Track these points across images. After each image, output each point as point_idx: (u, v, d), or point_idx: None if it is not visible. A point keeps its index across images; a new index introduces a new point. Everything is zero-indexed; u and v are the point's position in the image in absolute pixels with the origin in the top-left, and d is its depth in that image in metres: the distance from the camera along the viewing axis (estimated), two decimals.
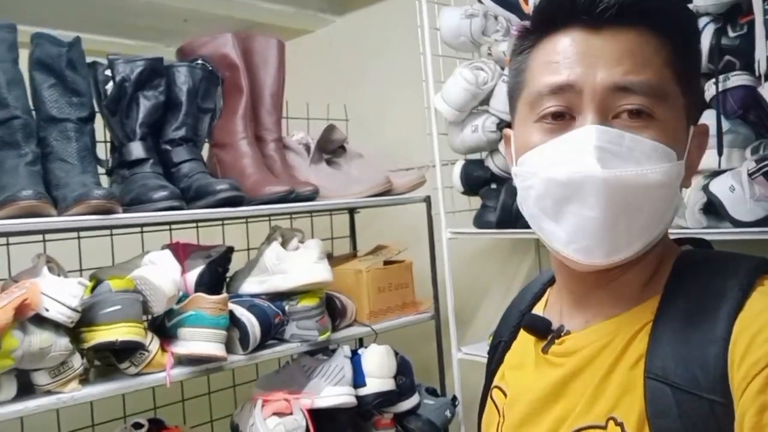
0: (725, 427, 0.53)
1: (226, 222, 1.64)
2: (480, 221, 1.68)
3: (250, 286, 1.50)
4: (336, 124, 1.83)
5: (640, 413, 0.57)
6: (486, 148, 1.70)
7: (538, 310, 0.78)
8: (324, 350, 1.58)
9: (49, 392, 1.16)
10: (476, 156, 1.75)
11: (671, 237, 0.69)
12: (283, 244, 1.52)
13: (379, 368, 1.54)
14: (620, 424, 0.58)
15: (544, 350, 0.69)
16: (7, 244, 1.33)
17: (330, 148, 1.75)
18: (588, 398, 0.61)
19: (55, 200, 1.24)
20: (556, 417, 0.64)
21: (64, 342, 1.14)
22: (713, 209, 1.26)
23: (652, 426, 0.56)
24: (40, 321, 1.12)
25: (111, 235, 1.51)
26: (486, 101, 1.67)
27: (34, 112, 1.32)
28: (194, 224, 1.57)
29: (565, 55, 0.61)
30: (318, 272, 1.43)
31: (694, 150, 0.65)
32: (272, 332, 1.43)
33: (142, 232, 1.54)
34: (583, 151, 0.58)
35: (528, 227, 0.68)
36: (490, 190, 1.70)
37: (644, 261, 0.64)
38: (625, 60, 0.59)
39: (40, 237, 1.38)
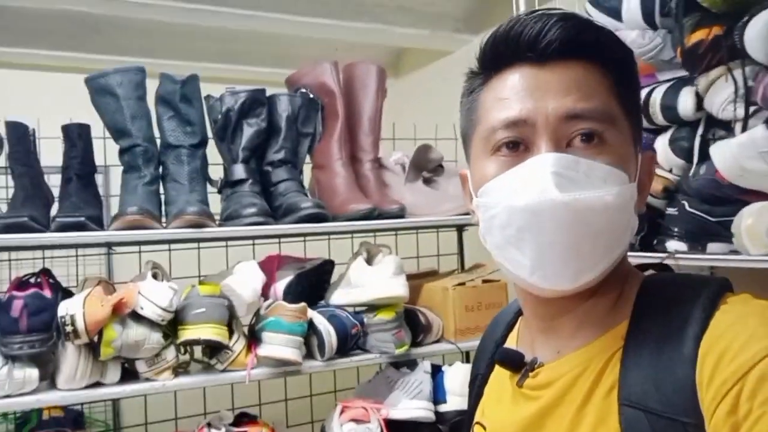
0: None
1: (308, 238, 1.76)
2: None
3: (338, 297, 1.60)
4: (444, 143, 1.88)
5: None
6: None
7: (511, 341, 0.79)
8: (409, 364, 1.62)
9: (147, 380, 1.36)
10: None
11: (665, 262, 0.71)
12: (369, 260, 1.60)
13: (461, 386, 1.55)
14: None
15: (519, 384, 0.69)
16: (108, 253, 1.57)
17: (429, 166, 1.80)
18: (565, 430, 0.62)
19: (167, 215, 1.46)
20: None
21: (156, 337, 1.33)
22: None
23: None
24: (138, 318, 1.32)
25: (198, 248, 1.71)
26: None
27: (159, 140, 1.55)
28: (277, 239, 1.70)
29: (515, 91, 0.64)
30: (392, 287, 1.49)
31: (645, 175, 0.67)
32: (349, 342, 1.51)
33: (227, 246, 1.72)
34: (540, 178, 0.60)
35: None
36: None
37: (607, 285, 0.65)
38: (573, 90, 0.62)
39: (161, 246, 1.61)
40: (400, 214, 1.60)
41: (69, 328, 1.23)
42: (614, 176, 0.61)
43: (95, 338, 1.29)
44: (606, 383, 0.61)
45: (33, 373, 1.26)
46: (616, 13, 1.47)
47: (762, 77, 1.21)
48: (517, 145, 0.63)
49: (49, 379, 1.33)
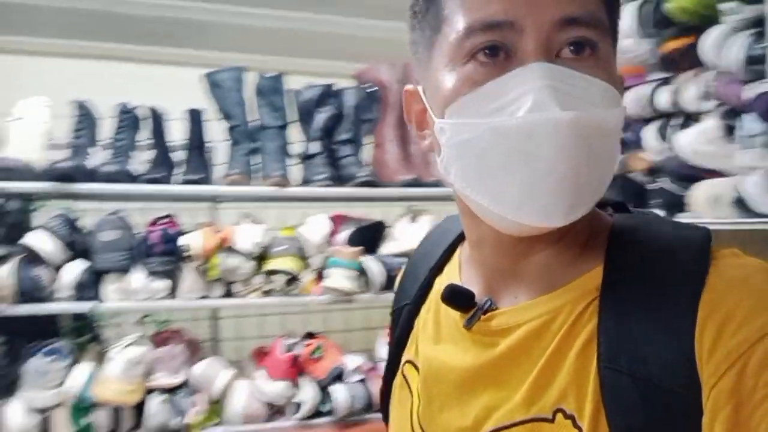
0: (695, 422, 0.47)
1: (366, 203, 2.19)
2: None
3: (385, 248, 2.04)
4: None
5: (595, 405, 0.50)
6: None
7: (451, 274, 0.67)
8: None
9: (241, 298, 1.85)
10: None
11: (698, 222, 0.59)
12: (414, 220, 2.03)
13: None
14: (570, 417, 0.51)
15: (467, 326, 0.60)
16: (215, 206, 2.07)
17: None
18: (530, 386, 0.54)
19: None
20: (486, 405, 0.57)
21: (249, 265, 1.82)
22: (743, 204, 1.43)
23: (611, 421, 0.49)
24: (235, 251, 1.81)
25: (280, 206, 2.16)
26: None
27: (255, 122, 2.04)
28: (341, 202, 2.14)
29: None
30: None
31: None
32: (393, 280, 1.95)
33: (302, 205, 2.17)
34: (535, 91, 0.49)
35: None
36: None
37: (580, 224, 0.55)
38: None
39: (255, 204, 2.10)
40: (439, 184, 2.02)
41: (188, 253, 1.74)
42: (611, 95, 0.52)
43: (205, 263, 1.79)
44: (581, 337, 0.52)
45: (162, 284, 1.78)
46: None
47: (719, 79, 1.54)
48: (496, 51, 0.51)
49: (172, 293, 1.85)
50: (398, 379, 0.70)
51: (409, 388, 0.67)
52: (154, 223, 1.87)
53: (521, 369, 0.55)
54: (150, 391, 1.73)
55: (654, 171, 1.76)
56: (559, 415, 0.52)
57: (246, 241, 1.81)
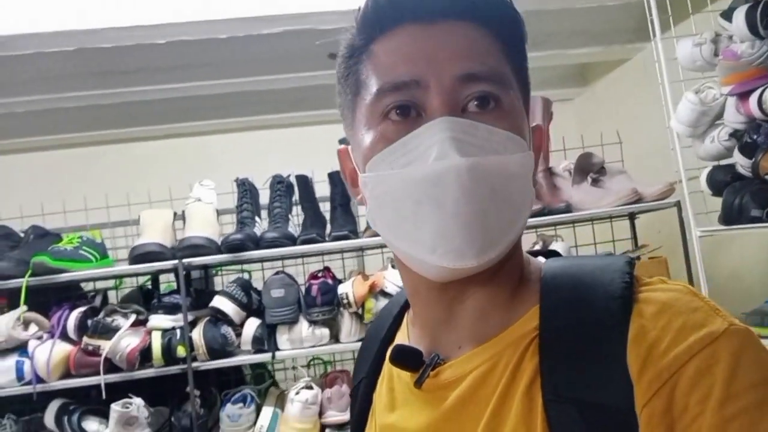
0: None
1: None
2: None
3: None
4: (611, 148, 2.31)
5: None
6: (725, 155, 1.94)
7: (401, 339, 0.69)
8: None
9: None
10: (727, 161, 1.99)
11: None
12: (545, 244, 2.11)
13: None
14: None
15: (417, 384, 0.60)
16: (361, 256, 2.27)
17: (593, 169, 2.24)
18: None
19: None
20: None
21: None
22: None
23: None
24: (385, 294, 2.00)
25: None
26: (721, 115, 1.93)
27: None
28: None
29: (403, 52, 0.57)
30: None
31: (535, 150, 0.62)
32: None
33: None
34: (438, 144, 0.53)
35: None
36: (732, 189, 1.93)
37: (508, 267, 0.60)
38: (466, 50, 0.56)
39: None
40: (567, 209, 2.08)
41: (345, 301, 1.95)
42: (514, 142, 0.56)
43: (360, 308, 1.99)
44: (524, 378, 0.54)
45: (325, 331, 2.00)
46: None
47: None
48: (407, 110, 0.56)
49: (334, 337, 2.07)
50: None
51: None
52: (314, 276, 2.11)
53: (472, 418, 0.56)
54: (324, 427, 1.95)
55: None
56: None
57: (393, 284, 1.99)
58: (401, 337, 0.69)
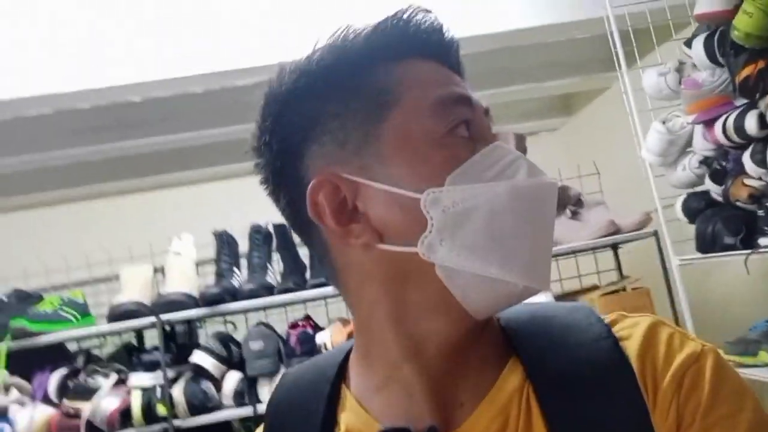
0: None
1: None
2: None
3: None
4: (589, 179, 2.31)
5: None
6: (698, 183, 1.93)
7: (358, 420, 0.55)
8: None
9: None
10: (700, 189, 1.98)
11: None
12: None
13: None
14: None
15: None
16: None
17: (570, 202, 2.23)
18: None
19: None
20: None
21: None
22: None
23: None
24: None
25: None
26: (690, 143, 1.92)
27: None
28: None
29: (442, 74, 0.55)
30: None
31: None
32: None
33: None
34: (522, 160, 0.51)
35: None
36: (704, 217, 1.92)
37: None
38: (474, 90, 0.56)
39: None
40: None
41: (324, 350, 1.94)
42: None
43: None
44: (537, 427, 0.51)
45: None
46: None
47: None
48: (468, 127, 0.52)
49: None
50: None
51: None
52: (293, 326, 2.10)
53: None
54: None
55: (758, 197, 1.70)
56: None
57: None
58: (351, 417, 0.56)
